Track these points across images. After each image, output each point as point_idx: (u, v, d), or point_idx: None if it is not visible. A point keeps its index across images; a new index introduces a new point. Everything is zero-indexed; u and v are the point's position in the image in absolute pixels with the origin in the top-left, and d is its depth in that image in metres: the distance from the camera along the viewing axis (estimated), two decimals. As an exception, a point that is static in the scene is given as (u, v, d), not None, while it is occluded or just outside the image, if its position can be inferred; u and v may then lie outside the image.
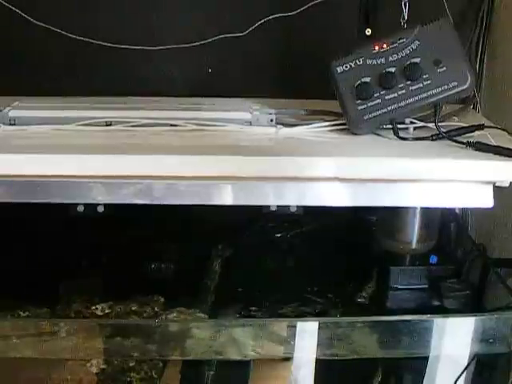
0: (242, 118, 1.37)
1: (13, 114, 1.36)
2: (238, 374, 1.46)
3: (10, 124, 1.35)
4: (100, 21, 1.70)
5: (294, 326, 1.31)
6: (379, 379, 1.46)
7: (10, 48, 1.70)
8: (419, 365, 1.40)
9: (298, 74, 1.70)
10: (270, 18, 1.65)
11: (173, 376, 1.45)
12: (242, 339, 1.30)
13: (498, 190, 1.23)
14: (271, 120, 1.38)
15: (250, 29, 1.65)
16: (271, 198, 1.25)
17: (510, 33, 1.57)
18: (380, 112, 1.30)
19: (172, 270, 1.54)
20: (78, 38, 1.66)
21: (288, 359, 1.38)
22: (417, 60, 1.30)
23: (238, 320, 1.35)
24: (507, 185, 1.22)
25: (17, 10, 1.64)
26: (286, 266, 1.57)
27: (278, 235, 1.66)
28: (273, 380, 1.47)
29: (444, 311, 1.39)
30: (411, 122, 1.35)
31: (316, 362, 1.37)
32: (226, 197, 1.24)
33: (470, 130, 1.31)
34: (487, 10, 1.64)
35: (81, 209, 1.42)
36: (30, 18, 1.64)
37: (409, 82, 1.29)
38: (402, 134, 1.31)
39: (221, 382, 1.45)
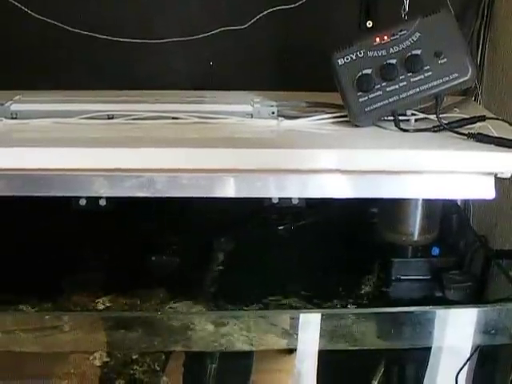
0: (244, 111, 1.38)
1: (15, 107, 1.36)
2: (240, 367, 1.47)
3: (12, 118, 1.35)
4: (100, 14, 1.70)
5: (297, 318, 1.31)
6: (382, 370, 1.46)
7: (9, 42, 1.70)
8: (422, 356, 1.41)
9: (300, 67, 1.70)
10: (271, 10, 1.65)
11: (176, 369, 1.46)
12: (245, 331, 1.30)
13: (499, 181, 1.23)
14: (272, 112, 1.38)
15: (251, 21, 1.65)
16: (273, 190, 1.26)
17: (510, 24, 1.57)
18: (381, 104, 1.30)
19: (174, 263, 1.54)
20: (78, 31, 1.66)
21: (291, 351, 1.39)
22: (418, 52, 1.30)
23: (241, 312, 1.35)
24: (508, 176, 1.22)
25: (17, 4, 1.64)
26: (289, 259, 1.57)
27: (280, 227, 1.66)
28: (275, 372, 1.48)
29: (446, 303, 1.39)
30: (412, 114, 1.35)
31: (319, 354, 1.37)
32: (228, 189, 1.25)
33: (471, 121, 1.31)
34: (488, 1, 1.65)
35: (83, 202, 1.43)
36: (30, 12, 1.64)
37: (410, 74, 1.30)
38: (403, 125, 1.31)
39: (223, 375, 1.45)
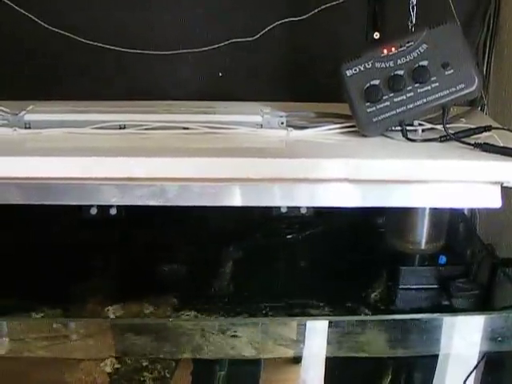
0: (253, 121, 1.39)
1: (28, 117, 1.37)
2: (249, 374, 1.47)
3: (25, 127, 1.36)
4: (112, 25, 1.71)
5: (304, 325, 1.32)
6: (389, 378, 1.47)
7: (26, 52, 1.72)
8: (429, 363, 1.41)
9: (308, 78, 1.71)
10: (280, 22, 1.66)
11: (185, 376, 1.46)
12: (254, 339, 1.31)
13: (505, 191, 1.24)
14: (282, 123, 1.39)
15: (260, 33, 1.66)
16: (282, 199, 1.26)
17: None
18: (389, 114, 1.31)
19: (184, 271, 1.55)
20: (89, 42, 1.67)
21: (298, 358, 1.40)
22: (425, 63, 1.30)
23: (250, 320, 1.36)
24: (515, 185, 1.23)
25: (29, 15, 1.66)
26: (297, 267, 1.58)
27: (289, 236, 1.66)
28: (283, 380, 1.48)
29: (453, 310, 1.39)
30: (419, 124, 1.36)
31: (326, 361, 1.38)
32: (238, 199, 1.26)
33: (477, 131, 1.32)
34: (494, 12, 1.65)
35: (94, 211, 1.44)
36: (42, 23, 1.65)
37: (417, 85, 1.30)
38: (410, 135, 1.32)
39: (232, 382, 1.46)
